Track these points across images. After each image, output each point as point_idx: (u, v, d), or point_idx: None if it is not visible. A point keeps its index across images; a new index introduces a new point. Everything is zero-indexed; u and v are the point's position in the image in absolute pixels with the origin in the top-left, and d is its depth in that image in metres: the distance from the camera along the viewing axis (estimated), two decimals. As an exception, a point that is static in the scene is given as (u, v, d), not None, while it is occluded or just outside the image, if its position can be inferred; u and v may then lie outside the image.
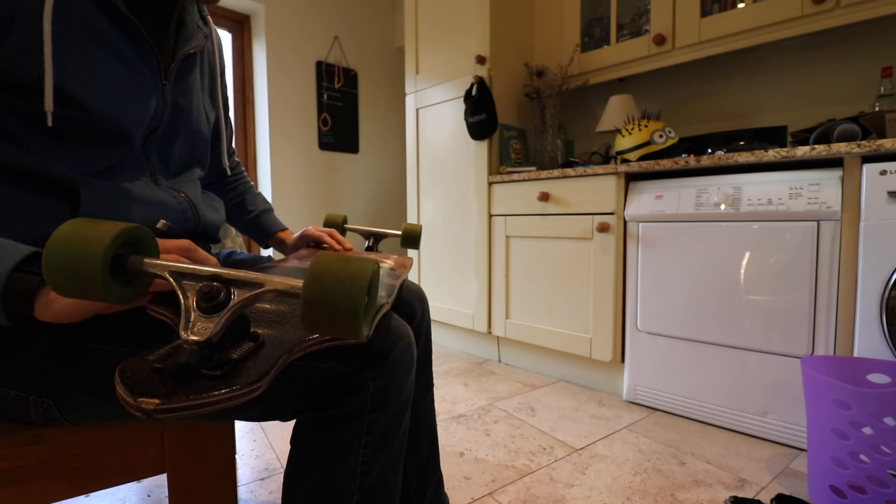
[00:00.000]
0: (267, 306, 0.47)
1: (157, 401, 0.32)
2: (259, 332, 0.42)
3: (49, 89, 0.49)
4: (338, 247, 0.85)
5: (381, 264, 0.75)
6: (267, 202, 0.96)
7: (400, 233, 0.95)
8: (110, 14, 0.54)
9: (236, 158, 0.96)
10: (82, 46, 0.52)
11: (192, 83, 0.67)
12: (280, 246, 0.94)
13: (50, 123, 0.50)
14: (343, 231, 0.98)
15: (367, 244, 0.95)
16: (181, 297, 0.36)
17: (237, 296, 0.36)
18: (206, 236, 0.70)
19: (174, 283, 0.37)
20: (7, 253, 0.40)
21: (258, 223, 0.93)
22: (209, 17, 0.73)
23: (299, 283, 0.35)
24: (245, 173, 0.98)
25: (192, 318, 0.36)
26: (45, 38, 0.49)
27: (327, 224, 0.97)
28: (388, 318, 0.57)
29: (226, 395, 0.34)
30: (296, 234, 0.91)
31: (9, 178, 0.50)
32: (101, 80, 0.53)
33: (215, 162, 0.82)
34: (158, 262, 0.37)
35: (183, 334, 0.35)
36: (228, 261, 0.81)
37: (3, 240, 0.42)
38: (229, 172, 0.79)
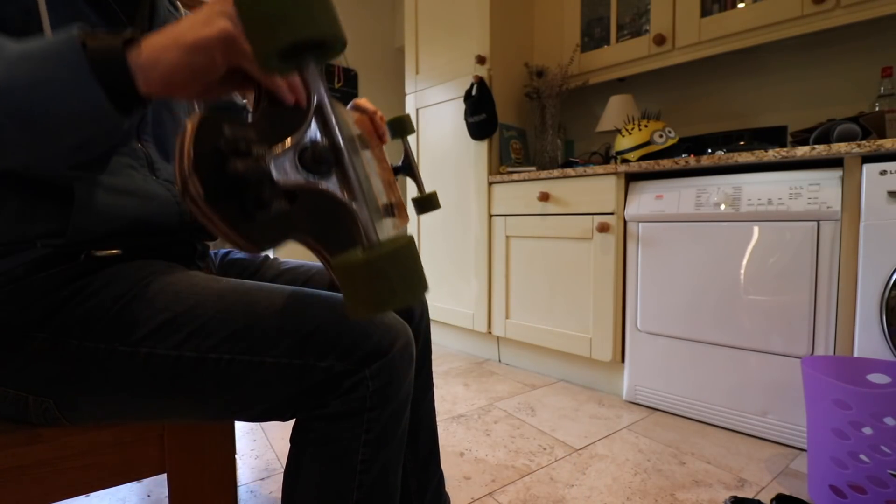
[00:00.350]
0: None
1: (202, 192, 0.30)
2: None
3: None
4: (380, 128, 0.76)
5: (390, 202, 0.69)
6: None
7: (422, 193, 0.86)
8: None
9: None
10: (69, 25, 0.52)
11: None
12: None
13: None
14: (406, 132, 0.85)
15: (399, 162, 0.86)
16: (303, 131, 0.34)
17: (332, 181, 0.34)
18: (202, 231, 0.69)
19: (312, 117, 0.35)
20: (65, 34, 0.37)
21: None
22: (179, 4, 0.72)
23: (377, 243, 0.32)
24: None
25: (287, 158, 0.34)
26: (43, 16, 0.49)
27: (395, 120, 0.83)
28: (386, 315, 0.57)
29: (240, 241, 0.34)
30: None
31: (1, 179, 0.50)
32: None
33: None
34: (323, 88, 0.34)
35: (269, 156, 0.33)
36: (224, 260, 0.81)
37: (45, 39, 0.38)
38: None
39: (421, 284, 0.32)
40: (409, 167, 0.84)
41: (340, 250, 0.35)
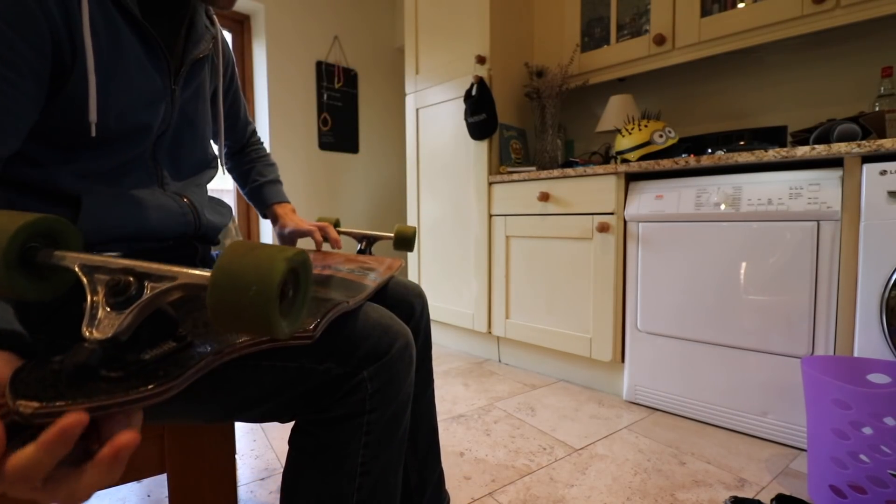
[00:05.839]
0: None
1: (36, 404, 0.28)
2: (185, 332, 0.39)
3: (93, 101, 0.50)
4: (320, 240, 0.85)
5: (372, 267, 0.74)
6: (276, 175, 0.96)
7: (392, 235, 0.93)
8: (128, 21, 0.54)
9: (253, 130, 0.97)
10: (109, 53, 0.52)
11: (199, 87, 0.68)
12: (274, 222, 0.92)
13: (94, 134, 0.51)
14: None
15: (359, 247, 0.94)
16: (88, 291, 0.33)
17: (149, 290, 0.33)
18: (206, 239, 0.70)
19: (83, 277, 0.34)
20: None
21: (259, 193, 0.93)
22: (215, 17, 0.73)
23: (207, 273, 0.32)
24: (262, 145, 0.98)
25: (98, 315, 0.33)
26: (88, 50, 0.49)
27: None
28: (385, 317, 0.57)
29: (120, 398, 0.31)
30: (287, 229, 0.89)
31: (10, 186, 0.50)
32: (121, 88, 0.53)
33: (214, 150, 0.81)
34: (69, 254, 0.34)
35: (85, 331, 0.32)
36: None
37: None
38: (224, 172, 0.80)
39: (265, 261, 0.30)
40: (367, 241, 0.96)
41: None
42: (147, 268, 0.34)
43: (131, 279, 0.33)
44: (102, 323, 0.32)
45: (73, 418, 0.28)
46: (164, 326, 0.37)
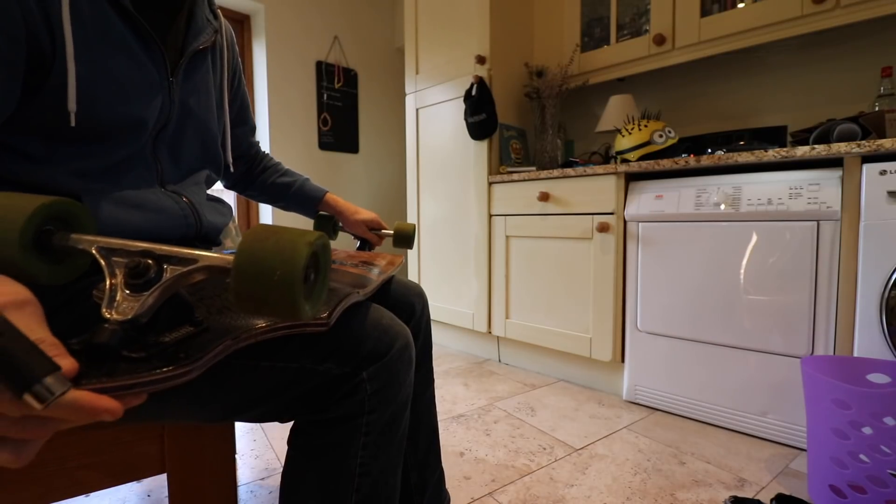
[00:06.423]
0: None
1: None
2: (201, 318, 0.39)
3: (72, 89, 0.49)
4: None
5: (373, 263, 0.74)
6: (301, 175, 0.97)
7: (392, 232, 0.93)
8: (118, 10, 0.53)
9: (258, 148, 0.96)
10: (95, 43, 0.51)
11: (202, 81, 0.66)
12: (334, 210, 0.94)
13: (73, 123, 0.50)
14: (335, 231, 0.96)
15: (357, 244, 0.94)
16: (107, 274, 0.34)
17: (169, 273, 0.34)
18: (207, 240, 0.70)
19: (102, 260, 0.34)
20: None
21: (304, 193, 0.94)
22: (219, 11, 0.71)
23: (230, 257, 0.32)
24: (272, 158, 0.98)
25: (117, 297, 0.33)
26: (67, 36, 0.48)
27: (318, 223, 0.96)
28: (385, 317, 0.57)
29: (145, 378, 0.31)
30: (363, 217, 0.94)
31: (6, 184, 0.50)
32: (110, 78, 0.53)
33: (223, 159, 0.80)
34: (86, 237, 0.35)
35: (105, 313, 0.32)
36: None
37: None
38: (232, 169, 0.78)
39: (289, 243, 0.31)
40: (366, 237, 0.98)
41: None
42: (166, 251, 0.34)
43: (150, 262, 0.34)
44: (122, 305, 0.33)
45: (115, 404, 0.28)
46: (181, 311, 0.38)
